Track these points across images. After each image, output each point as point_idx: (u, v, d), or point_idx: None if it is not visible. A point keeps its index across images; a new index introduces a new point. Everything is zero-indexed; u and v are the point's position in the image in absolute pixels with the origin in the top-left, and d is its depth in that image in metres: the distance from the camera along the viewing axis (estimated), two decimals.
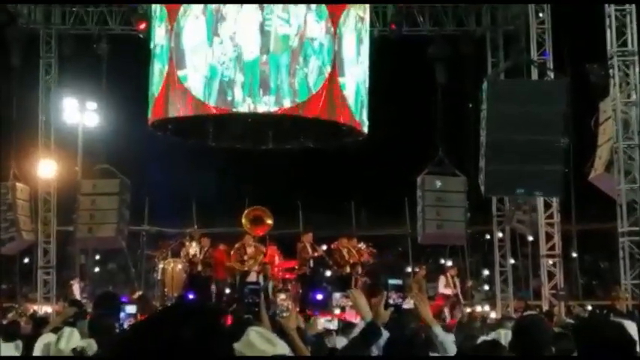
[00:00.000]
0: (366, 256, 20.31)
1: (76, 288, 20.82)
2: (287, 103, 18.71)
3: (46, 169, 23.01)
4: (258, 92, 18.53)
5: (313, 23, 18.84)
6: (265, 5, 18.51)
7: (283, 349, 4.36)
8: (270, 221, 20.65)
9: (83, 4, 22.78)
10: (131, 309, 7.31)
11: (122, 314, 7.20)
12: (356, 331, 6.24)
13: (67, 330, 6.45)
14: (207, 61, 18.68)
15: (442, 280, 20.39)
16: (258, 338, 4.25)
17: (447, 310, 19.76)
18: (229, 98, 18.59)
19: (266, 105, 18.67)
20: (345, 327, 10.81)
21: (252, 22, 18.52)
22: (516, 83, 18.56)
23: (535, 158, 16.24)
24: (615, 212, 17.39)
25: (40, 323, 10.25)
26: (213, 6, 18.60)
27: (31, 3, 21.95)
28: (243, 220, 20.58)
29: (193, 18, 18.72)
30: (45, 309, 22.16)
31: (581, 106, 17.74)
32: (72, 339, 6.24)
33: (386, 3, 22.02)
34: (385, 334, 5.53)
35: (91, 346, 6.25)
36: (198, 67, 18.78)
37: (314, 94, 18.82)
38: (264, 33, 18.53)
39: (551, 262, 19.99)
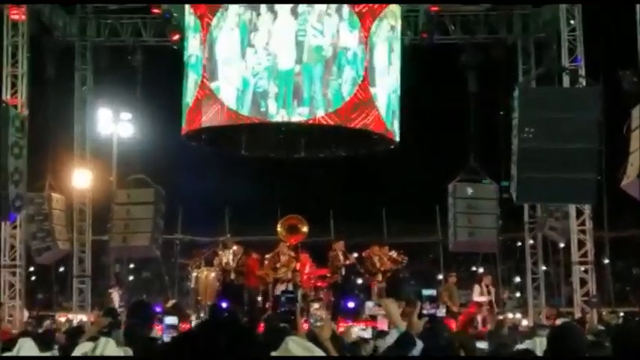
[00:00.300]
0: (397, 263, 20.33)
1: (115, 296, 21.01)
2: (320, 114, 18.87)
3: (82, 179, 23.34)
4: (292, 103, 18.69)
5: (346, 33, 18.99)
6: (299, 15, 18.68)
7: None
8: (305, 230, 20.75)
9: (117, 15, 23.08)
10: (172, 320, 7.33)
11: (162, 326, 7.24)
12: (389, 340, 6.31)
13: (102, 339, 6.55)
14: (239, 73, 18.87)
15: (477, 288, 20.26)
16: (296, 347, 4.34)
17: (479, 318, 19.67)
18: (262, 109, 18.77)
19: (300, 116, 18.85)
20: (379, 335, 10.85)
21: (287, 33, 18.70)
22: (548, 91, 18.53)
23: (567, 165, 16.19)
24: None
25: (75, 333, 10.38)
26: (247, 17, 18.78)
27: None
28: (279, 228, 20.68)
29: (228, 30, 18.91)
30: (80, 317, 22.44)
31: (614, 112, 17.67)
32: (107, 348, 6.34)
33: (418, 3, 21.88)
34: (419, 344, 5.58)
35: (127, 352, 6.35)
36: (231, 79, 18.96)
37: (346, 102, 18.97)
38: (298, 43, 18.70)
39: (583, 268, 19.92)
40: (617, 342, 4.95)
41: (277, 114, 18.80)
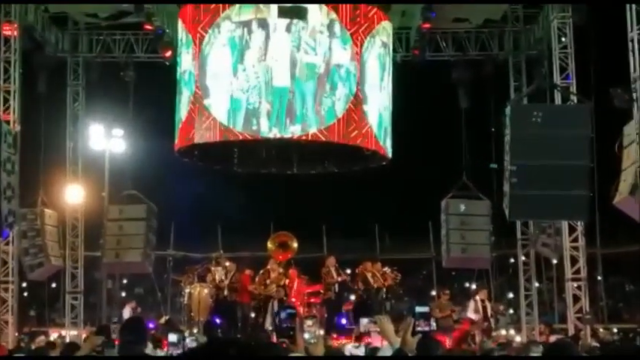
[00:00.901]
0: (390, 280, 20.29)
1: (127, 311, 20.86)
2: (313, 130, 18.87)
3: (74, 195, 23.30)
4: (284, 121, 18.69)
5: (339, 50, 19.03)
6: (292, 32, 18.71)
7: None
8: (295, 246, 20.79)
9: (109, 32, 23.09)
10: (174, 337, 7.36)
11: (167, 342, 7.25)
12: (381, 356, 6.30)
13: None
14: (231, 89, 18.86)
15: (472, 304, 20.10)
16: None
17: (476, 335, 19.46)
18: (254, 127, 18.75)
19: (292, 134, 18.85)
20: (372, 352, 10.83)
21: (281, 49, 18.72)
22: (539, 108, 18.56)
23: (559, 182, 16.21)
24: None
25: (69, 349, 10.36)
26: (238, 34, 18.80)
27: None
28: (269, 245, 20.71)
29: (219, 46, 18.93)
30: (72, 333, 22.39)
31: (605, 130, 17.71)
32: None
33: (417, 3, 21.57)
34: None
35: None
36: (222, 96, 18.96)
37: (338, 119, 18.99)
38: (291, 60, 18.73)
39: (576, 285, 19.93)
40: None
41: (270, 132, 18.80)
